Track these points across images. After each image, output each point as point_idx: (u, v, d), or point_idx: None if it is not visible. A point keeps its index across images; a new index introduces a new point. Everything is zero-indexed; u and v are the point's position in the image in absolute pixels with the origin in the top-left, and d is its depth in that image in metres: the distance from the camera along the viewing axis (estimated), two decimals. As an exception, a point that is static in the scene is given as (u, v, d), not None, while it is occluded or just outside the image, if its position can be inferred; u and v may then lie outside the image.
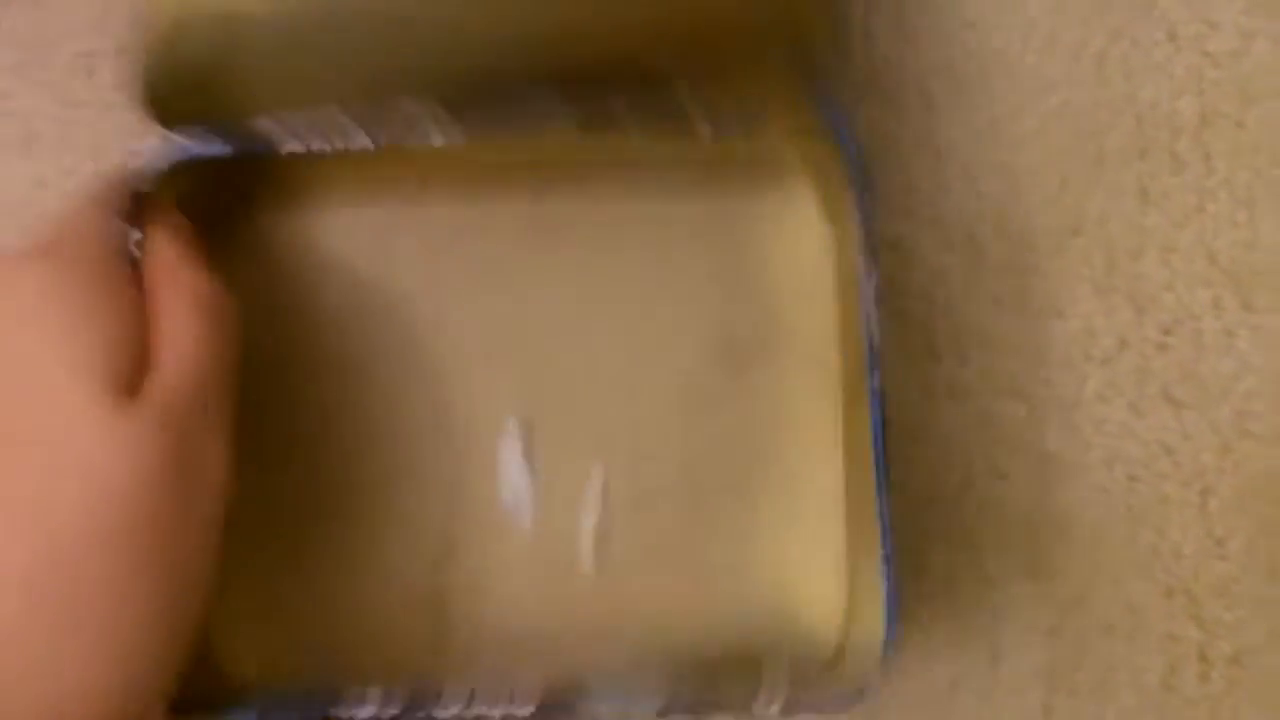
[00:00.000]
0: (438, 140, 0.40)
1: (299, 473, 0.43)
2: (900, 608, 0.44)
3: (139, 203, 0.39)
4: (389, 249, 0.44)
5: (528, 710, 0.38)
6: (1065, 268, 0.46)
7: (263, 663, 0.43)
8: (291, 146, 0.39)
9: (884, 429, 0.38)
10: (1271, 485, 0.46)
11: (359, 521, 0.43)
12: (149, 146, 0.40)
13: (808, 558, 0.43)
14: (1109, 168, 0.47)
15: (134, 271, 0.37)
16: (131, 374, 0.34)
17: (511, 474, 0.43)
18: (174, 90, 0.39)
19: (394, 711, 0.38)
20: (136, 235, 0.38)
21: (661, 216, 0.44)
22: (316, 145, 0.39)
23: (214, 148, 0.40)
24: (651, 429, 0.44)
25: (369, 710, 0.38)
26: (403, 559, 0.43)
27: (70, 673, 0.32)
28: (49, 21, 0.46)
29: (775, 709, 0.38)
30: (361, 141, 0.39)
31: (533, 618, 0.43)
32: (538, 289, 0.44)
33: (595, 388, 0.44)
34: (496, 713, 0.38)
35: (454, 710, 0.38)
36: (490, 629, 0.43)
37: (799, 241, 0.44)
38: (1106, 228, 0.46)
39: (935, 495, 0.45)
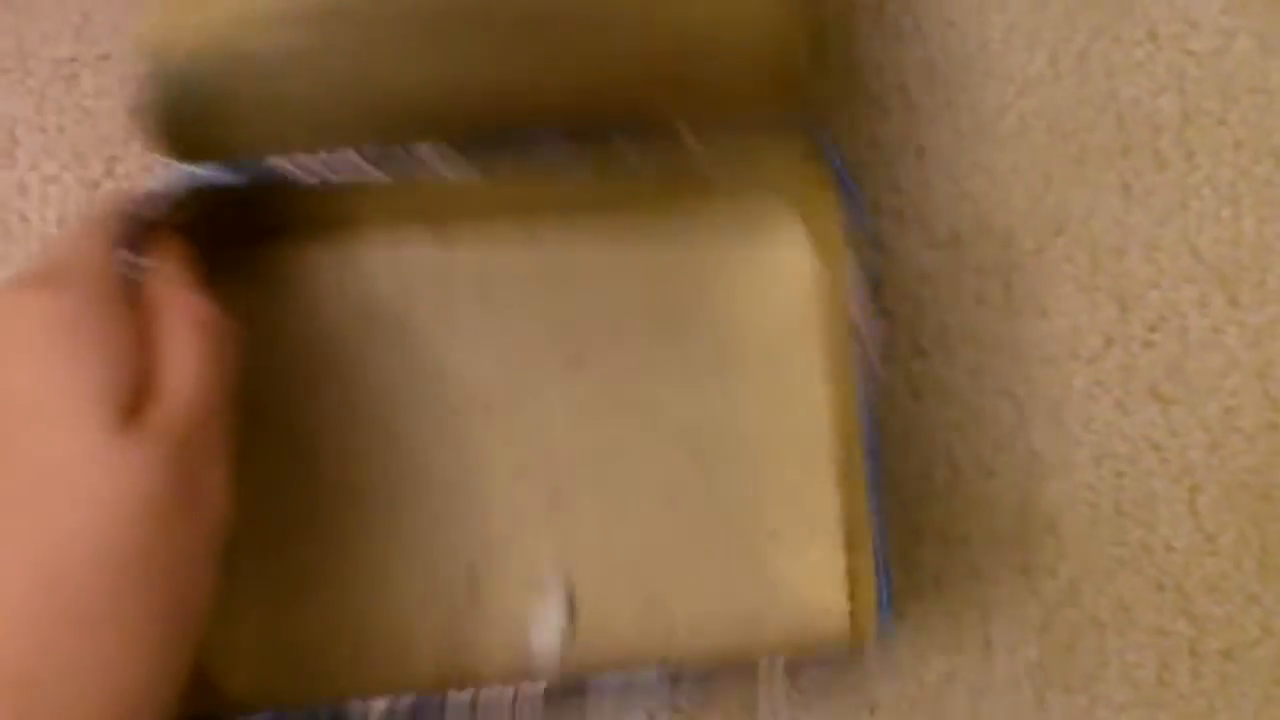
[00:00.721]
0: (450, 176, 0.40)
1: (303, 498, 0.43)
2: (893, 602, 0.44)
3: (143, 227, 0.38)
4: (398, 282, 0.44)
5: (539, 688, 0.38)
6: (1049, 266, 0.46)
7: (262, 681, 0.42)
8: (302, 178, 0.40)
9: (877, 430, 0.39)
10: (1260, 480, 0.46)
11: (370, 551, 0.43)
12: (159, 172, 0.39)
13: (806, 563, 0.43)
14: (1091, 166, 0.47)
15: (136, 297, 0.37)
16: (133, 402, 0.34)
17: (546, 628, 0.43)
18: (184, 126, 0.40)
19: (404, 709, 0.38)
20: (141, 260, 0.38)
21: (659, 257, 0.45)
22: (327, 177, 0.40)
23: (224, 176, 0.40)
24: (648, 451, 0.44)
25: (380, 707, 0.38)
26: (420, 587, 0.43)
27: (78, 707, 0.32)
28: (29, 29, 0.45)
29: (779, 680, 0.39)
30: (374, 175, 0.40)
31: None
32: (541, 329, 0.44)
33: (597, 421, 0.44)
34: (508, 696, 0.38)
35: (465, 700, 0.38)
36: (499, 655, 0.43)
37: (793, 273, 0.45)
38: (1090, 226, 0.47)
39: (924, 492, 0.45)
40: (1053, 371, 0.46)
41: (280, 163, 0.40)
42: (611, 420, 0.44)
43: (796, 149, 0.40)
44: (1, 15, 0.45)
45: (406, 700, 0.38)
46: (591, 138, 0.40)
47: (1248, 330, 0.46)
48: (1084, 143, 0.47)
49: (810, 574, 0.43)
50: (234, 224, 0.42)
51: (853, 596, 0.43)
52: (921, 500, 0.45)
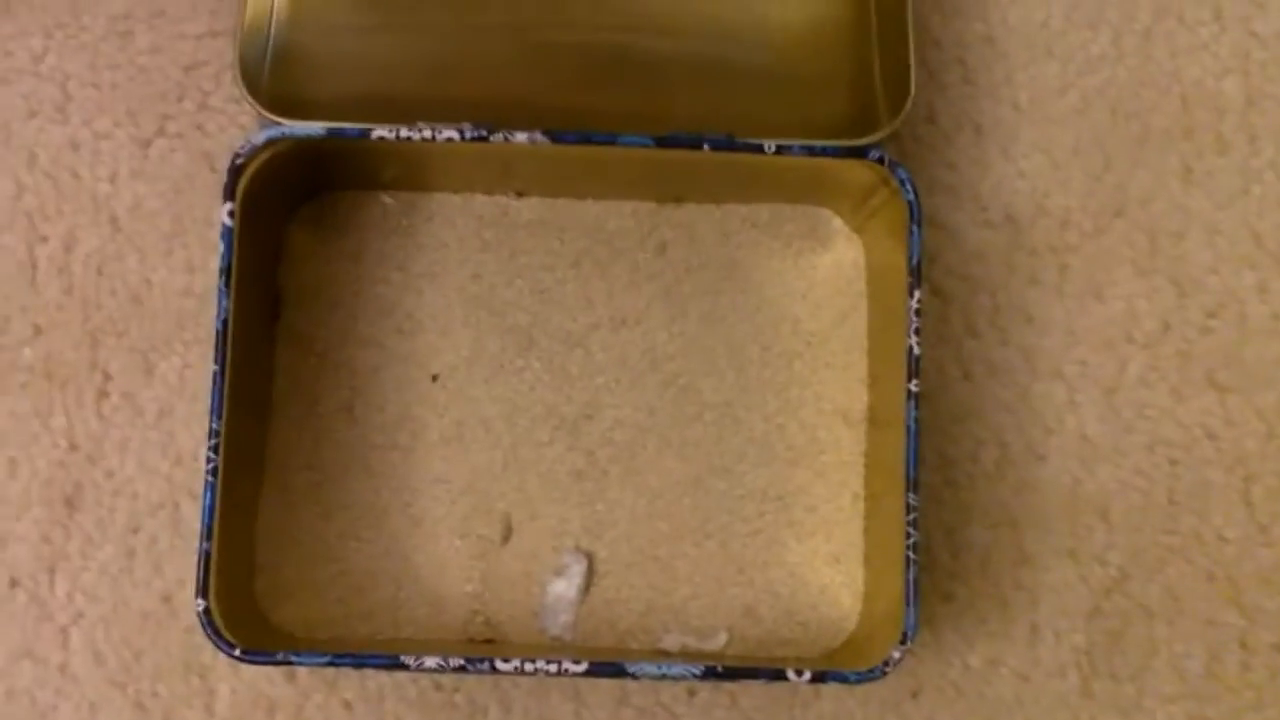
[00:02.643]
0: (521, 140, 0.41)
1: (356, 439, 0.44)
2: (934, 587, 0.44)
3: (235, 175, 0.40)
4: (466, 233, 0.45)
5: (581, 667, 0.39)
6: (1107, 248, 0.46)
7: (307, 614, 0.43)
8: (381, 133, 0.40)
9: (917, 432, 0.39)
10: (1317, 472, 0.45)
11: (414, 495, 0.44)
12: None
13: (831, 551, 0.44)
14: (1152, 147, 0.46)
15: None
16: None
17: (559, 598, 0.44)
18: (278, 83, 0.43)
19: (458, 663, 0.39)
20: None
21: (717, 244, 0.45)
22: (404, 135, 0.40)
23: (309, 129, 0.41)
24: (680, 429, 0.44)
25: (433, 662, 0.39)
26: (458, 534, 0.44)
27: None
28: (84, -14, 0.45)
29: (805, 678, 0.39)
30: (451, 138, 0.40)
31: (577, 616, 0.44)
32: (594, 290, 0.45)
33: (636, 386, 0.44)
34: (552, 667, 0.38)
35: (513, 665, 0.38)
36: (520, 613, 0.44)
37: (843, 279, 0.45)
38: (1149, 208, 0.46)
39: (973, 473, 0.44)
40: (1107, 355, 0.45)
41: (363, 126, 0.41)
42: (650, 388, 0.44)
43: (862, 162, 0.41)
44: (57, -29, 0.45)
45: (456, 660, 0.39)
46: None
47: (1308, 319, 0.45)
48: (1145, 124, 0.46)
49: (825, 580, 0.44)
50: (313, 174, 0.44)
51: (866, 613, 0.43)
52: (970, 481, 0.44)
